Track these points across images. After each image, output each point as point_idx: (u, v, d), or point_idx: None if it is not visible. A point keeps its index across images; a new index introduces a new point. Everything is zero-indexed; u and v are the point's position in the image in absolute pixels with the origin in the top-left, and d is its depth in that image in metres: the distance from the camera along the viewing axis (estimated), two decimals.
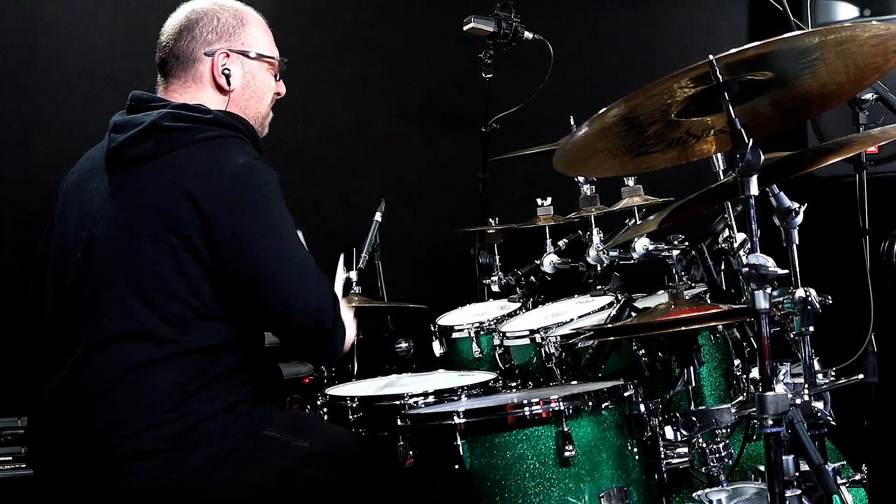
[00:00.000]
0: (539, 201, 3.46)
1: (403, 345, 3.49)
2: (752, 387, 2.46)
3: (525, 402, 2.22)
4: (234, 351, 2.24)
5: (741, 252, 2.45)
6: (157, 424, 2.14)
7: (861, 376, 2.28)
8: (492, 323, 3.24)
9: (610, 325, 2.51)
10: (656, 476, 2.29)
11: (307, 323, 2.21)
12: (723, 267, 2.68)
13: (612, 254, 2.96)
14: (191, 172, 2.19)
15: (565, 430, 2.17)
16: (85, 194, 2.32)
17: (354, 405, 2.73)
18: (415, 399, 2.64)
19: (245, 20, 2.43)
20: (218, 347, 2.21)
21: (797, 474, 1.88)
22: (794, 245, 2.05)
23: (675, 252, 2.53)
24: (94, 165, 2.36)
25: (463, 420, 2.22)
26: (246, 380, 2.27)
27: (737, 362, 2.71)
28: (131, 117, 2.31)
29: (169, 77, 2.40)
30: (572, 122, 3.34)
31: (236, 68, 2.40)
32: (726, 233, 2.54)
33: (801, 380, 2.09)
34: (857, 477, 2.23)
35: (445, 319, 3.48)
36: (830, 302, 2.12)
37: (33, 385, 2.30)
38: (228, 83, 2.38)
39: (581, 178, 3.22)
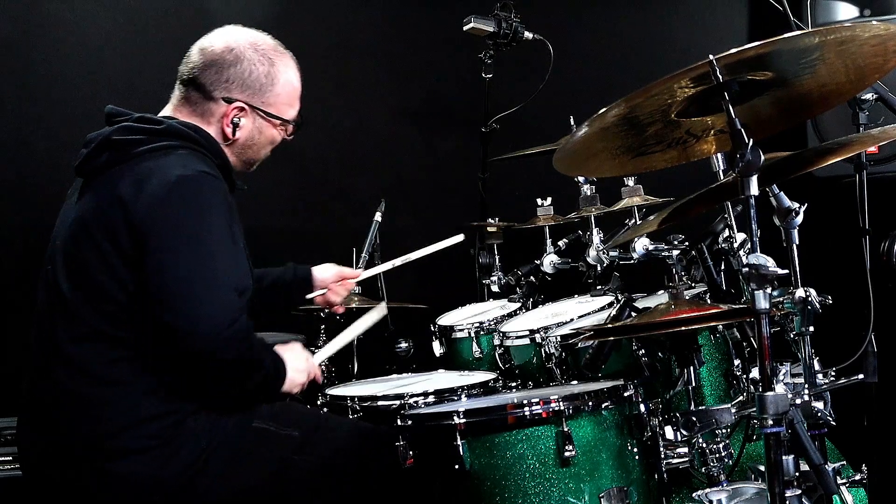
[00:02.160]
0: (539, 201, 3.46)
1: (403, 345, 3.49)
2: (752, 387, 2.46)
3: (525, 402, 2.22)
4: None
5: (741, 252, 2.45)
6: (138, 422, 2.16)
7: (861, 376, 2.28)
8: (492, 323, 3.24)
9: (610, 325, 2.51)
10: (656, 476, 2.29)
11: (199, 345, 2.11)
12: (723, 267, 2.68)
13: (612, 254, 2.96)
14: (127, 180, 2.20)
15: (565, 430, 2.17)
16: (66, 207, 2.38)
17: (354, 405, 2.73)
18: (415, 399, 2.64)
19: (276, 79, 2.40)
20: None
21: (797, 474, 1.88)
22: (794, 245, 2.05)
23: (675, 252, 2.53)
24: (78, 180, 2.40)
25: (463, 420, 2.22)
26: None
27: (737, 362, 2.71)
28: (98, 132, 2.34)
29: (183, 97, 2.40)
30: (572, 122, 3.34)
31: (247, 122, 2.40)
32: (726, 233, 2.54)
33: (801, 380, 2.09)
34: (857, 477, 2.23)
35: (445, 319, 3.48)
36: (830, 302, 2.12)
37: (21, 388, 2.33)
38: (234, 133, 2.39)
39: (581, 178, 3.22)
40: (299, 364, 2.39)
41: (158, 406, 2.17)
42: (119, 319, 2.18)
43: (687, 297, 2.38)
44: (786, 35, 1.75)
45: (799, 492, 1.85)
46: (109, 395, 2.17)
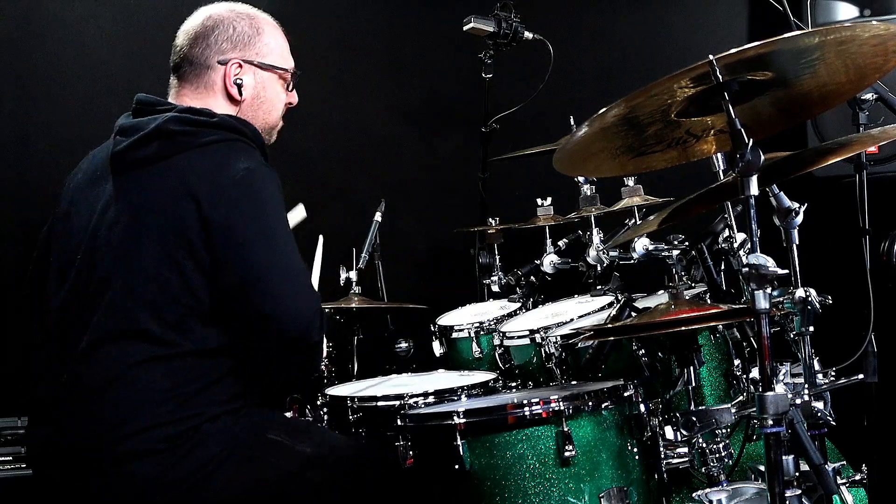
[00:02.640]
0: (539, 201, 3.46)
1: (403, 345, 3.49)
2: (752, 387, 2.46)
3: (525, 402, 2.22)
4: (234, 354, 2.23)
5: (741, 252, 2.45)
6: (157, 425, 2.14)
7: (861, 376, 2.28)
8: (492, 323, 3.24)
9: (610, 325, 2.51)
10: (656, 476, 2.29)
11: (295, 331, 2.19)
12: (723, 267, 2.68)
13: (612, 254, 2.96)
14: (195, 175, 2.19)
15: (565, 430, 2.17)
16: (91, 196, 2.32)
17: (354, 405, 2.73)
18: (415, 399, 2.64)
19: (261, 29, 2.43)
20: (217, 350, 2.20)
21: (797, 474, 1.88)
22: (794, 245, 2.05)
23: (675, 252, 2.53)
24: (98, 167, 2.35)
25: (463, 420, 2.22)
26: (248, 384, 2.27)
27: (737, 362, 2.71)
28: (137, 121, 2.31)
29: (182, 81, 2.40)
30: (572, 122, 3.34)
31: (248, 78, 2.40)
32: (726, 233, 2.54)
33: (801, 380, 2.09)
34: (857, 477, 2.23)
35: (445, 319, 3.48)
36: (830, 302, 2.12)
37: (30, 386, 2.31)
38: (240, 93, 2.39)
39: (581, 178, 3.22)
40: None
41: (177, 411, 2.15)
42: (169, 314, 2.16)
43: (687, 297, 2.38)
44: (786, 35, 1.75)
45: (799, 492, 1.85)
46: (133, 396, 2.15)
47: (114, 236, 2.23)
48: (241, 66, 2.39)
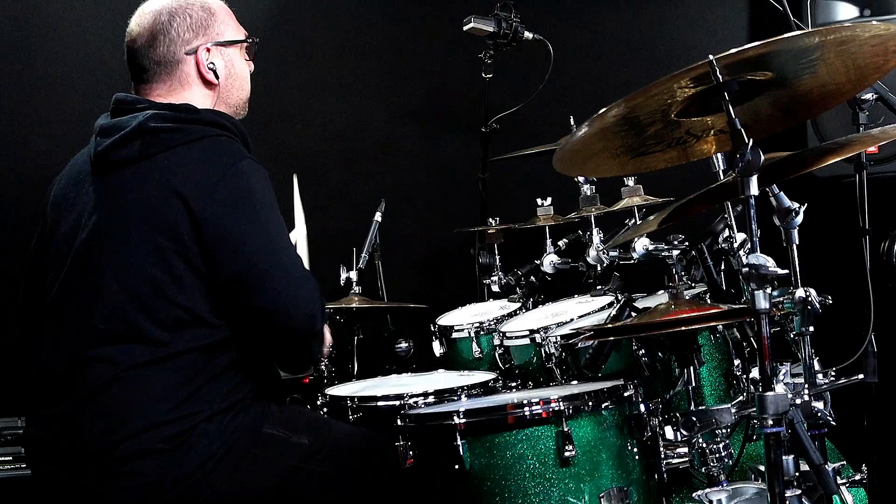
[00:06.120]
0: (539, 201, 3.46)
1: (403, 345, 3.49)
2: (752, 387, 2.46)
3: (525, 402, 2.22)
4: (229, 351, 2.23)
5: (741, 252, 2.45)
6: (155, 425, 2.14)
7: (861, 376, 2.28)
8: (492, 323, 3.24)
9: (610, 325, 2.51)
10: (656, 476, 2.29)
11: (299, 323, 2.20)
12: (723, 267, 2.68)
13: (612, 254, 2.96)
14: (180, 173, 2.19)
15: (565, 430, 2.17)
16: (75, 200, 2.32)
17: (354, 405, 2.73)
18: (415, 399, 2.64)
19: (212, 10, 2.42)
20: (212, 348, 2.21)
21: (797, 474, 1.88)
22: (794, 245, 2.05)
23: (675, 252, 2.52)
24: (80, 171, 2.35)
25: (463, 420, 2.22)
26: (244, 379, 2.27)
27: (737, 362, 2.71)
28: (117, 120, 2.29)
29: (151, 83, 2.36)
30: (572, 122, 3.34)
31: (219, 60, 2.39)
32: (726, 233, 2.54)
33: (801, 380, 2.09)
34: (857, 477, 2.23)
35: (445, 319, 3.48)
36: (830, 302, 2.12)
37: (29, 387, 2.31)
38: (216, 77, 2.38)
39: (581, 178, 3.22)
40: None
41: (174, 410, 2.16)
42: (164, 316, 2.17)
43: (687, 297, 2.38)
44: (786, 35, 1.75)
45: (799, 492, 1.85)
46: (132, 396, 2.16)
47: (102, 240, 2.23)
48: (209, 50, 2.38)
